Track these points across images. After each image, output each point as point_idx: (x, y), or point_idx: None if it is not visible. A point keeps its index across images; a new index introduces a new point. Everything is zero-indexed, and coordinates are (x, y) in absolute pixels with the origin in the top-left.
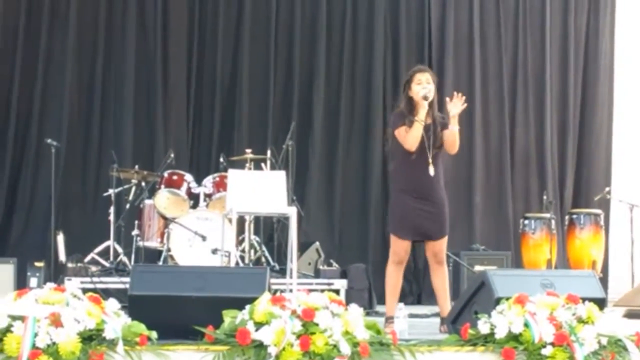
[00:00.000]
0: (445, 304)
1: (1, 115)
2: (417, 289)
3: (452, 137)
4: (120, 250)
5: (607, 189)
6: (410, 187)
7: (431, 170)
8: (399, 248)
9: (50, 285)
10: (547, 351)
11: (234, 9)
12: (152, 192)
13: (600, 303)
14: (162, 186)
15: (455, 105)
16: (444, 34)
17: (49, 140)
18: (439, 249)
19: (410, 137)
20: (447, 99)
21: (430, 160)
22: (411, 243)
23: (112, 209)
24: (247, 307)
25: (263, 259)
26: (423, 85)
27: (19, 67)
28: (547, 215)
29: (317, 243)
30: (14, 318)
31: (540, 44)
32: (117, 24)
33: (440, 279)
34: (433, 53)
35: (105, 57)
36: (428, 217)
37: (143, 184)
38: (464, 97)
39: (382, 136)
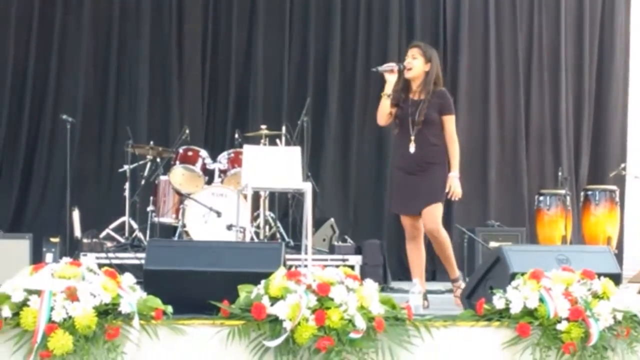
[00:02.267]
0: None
1: (17, 92)
2: (431, 266)
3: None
4: (135, 226)
5: (622, 165)
6: (398, 162)
7: (411, 148)
8: (404, 223)
9: (67, 259)
10: (562, 326)
11: None
12: (167, 168)
13: (616, 279)
14: (177, 162)
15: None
16: (459, 12)
17: (64, 117)
18: (415, 221)
19: (378, 112)
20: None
21: (412, 138)
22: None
23: (127, 185)
24: (263, 282)
25: (278, 235)
26: (407, 61)
27: (34, 44)
28: (562, 191)
29: (332, 219)
30: (30, 292)
31: (555, 20)
32: (132, 0)
33: (412, 255)
34: (448, 31)
35: (120, 33)
36: (412, 192)
37: (158, 160)
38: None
39: None
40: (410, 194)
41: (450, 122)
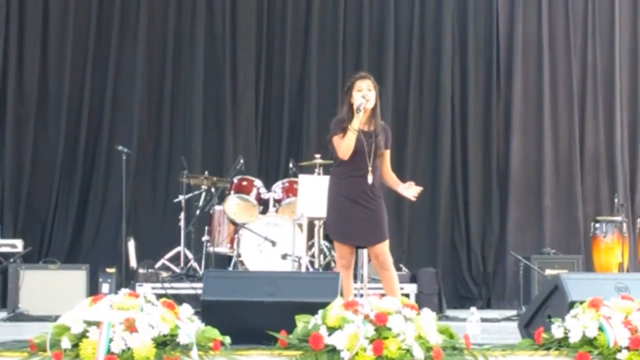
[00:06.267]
0: None
1: (72, 123)
2: (486, 293)
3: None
4: (190, 256)
5: None
6: (349, 192)
7: (369, 179)
8: (344, 252)
9: (125, 290)
10: (622, 355)
11: (302, 15)
12: (221, 198)
13: None
14: (232, 192)
15: (409, 192)
16: (512, 37)
17: (119, 147)
18: (379, 252)
19: (343, 146)
20: (406, 184)
21: (369, 169)
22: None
23: (182, 215)
24: (320, 312)
25: (332, 264)
26: (363, 93)
27: (90, 75)
28: (619, 218)
29: None
30: (89, 324)
31: (610, 45)
32: (186, 31)
33: (387, 285)
34: (501, 56)
35: (174, 64)
36: (365, 223)
37: (213, 189)
38: (419, 190)
39: (450, 139)
40: (358, 225)
41: (389, 155)
